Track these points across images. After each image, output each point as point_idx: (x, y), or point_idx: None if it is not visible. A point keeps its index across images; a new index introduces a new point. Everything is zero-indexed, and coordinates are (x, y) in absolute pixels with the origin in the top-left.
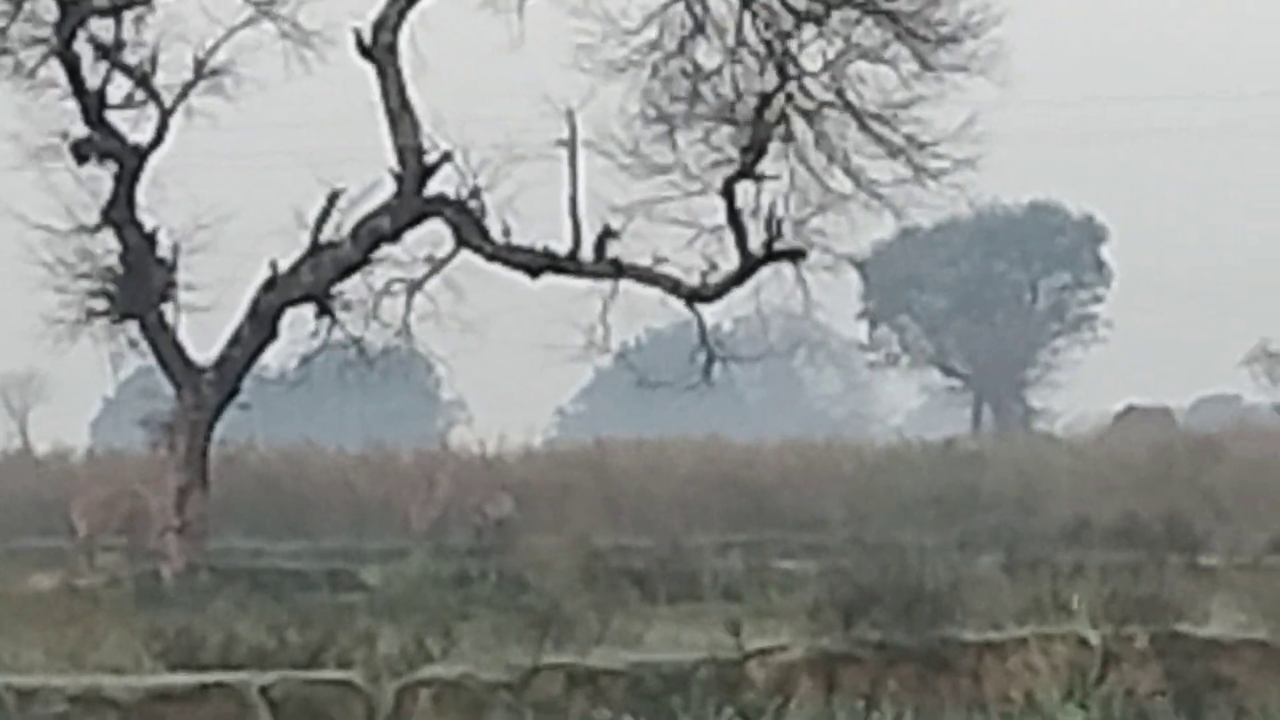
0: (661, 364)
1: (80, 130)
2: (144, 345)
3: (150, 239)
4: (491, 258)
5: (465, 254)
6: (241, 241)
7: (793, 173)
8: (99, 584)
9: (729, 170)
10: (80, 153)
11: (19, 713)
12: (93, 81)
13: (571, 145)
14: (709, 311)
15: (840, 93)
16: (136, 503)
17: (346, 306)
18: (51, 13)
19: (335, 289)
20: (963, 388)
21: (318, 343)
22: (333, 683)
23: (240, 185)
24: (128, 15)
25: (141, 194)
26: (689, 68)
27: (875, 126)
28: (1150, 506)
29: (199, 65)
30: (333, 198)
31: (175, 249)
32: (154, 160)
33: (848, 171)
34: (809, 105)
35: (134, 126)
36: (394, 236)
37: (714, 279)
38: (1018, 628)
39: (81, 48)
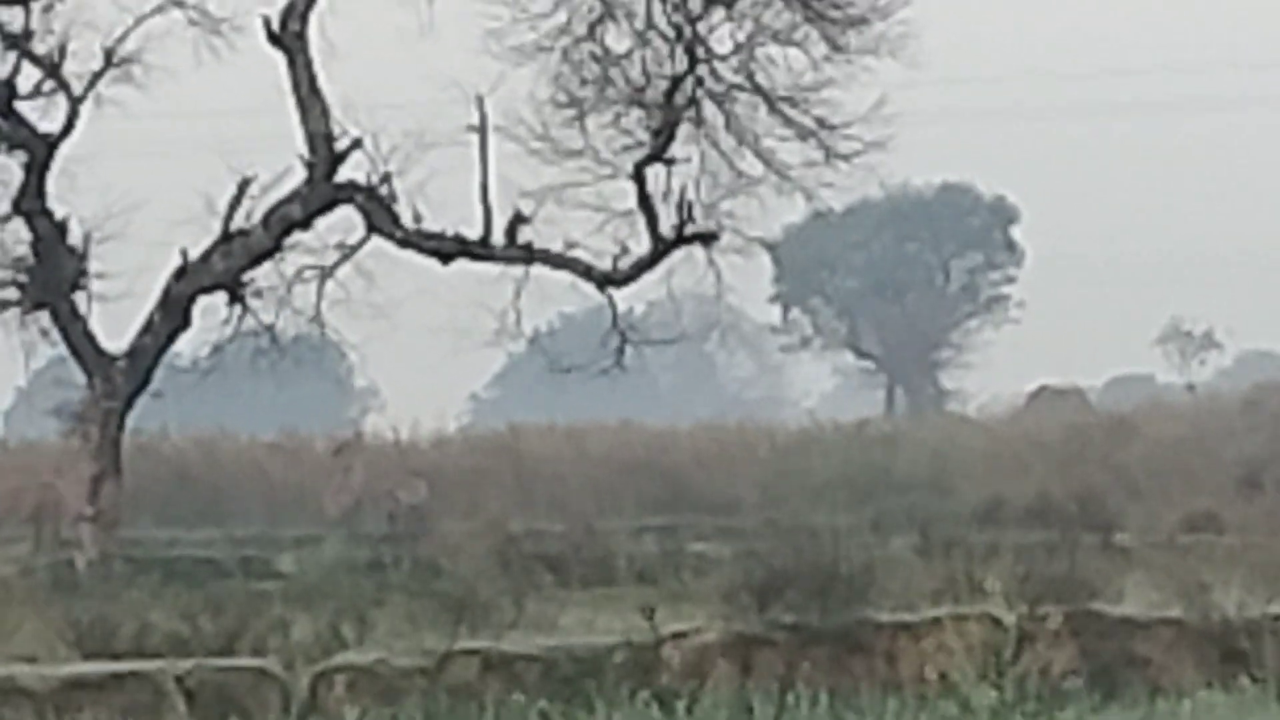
0: (574, 348)
1: None
2: (55, 334)
3: (61, 228)
4: (403, 244)
5: (376, 240)
6: (153, 229)
7: (703, 156)
8: (12, 573)
9: (639, 154)
10: None
11: None
12: (1, 71)
13: (482, 131)
14: (621, 296)
15: (750, 76)
16: (46, 492)
17: (258, 294)
18: None
19: (247, 276)
20: (875, 369)
21: (230, 330)
22: (248, 670)
23: (151, 173)
24: (36, 4)
25: (52, 183)
26: (598, 52)
27: (785, 109)
28: (1064, 486)
29: (108, 54)
30: (243, 185)
31: (86, 238)
32: (64, 149)
33: (758, 154)
34: (719, 88)
35: (43, 115)
36: (305, 223)
37: (625, 263)
38: (932, 609)
39: None
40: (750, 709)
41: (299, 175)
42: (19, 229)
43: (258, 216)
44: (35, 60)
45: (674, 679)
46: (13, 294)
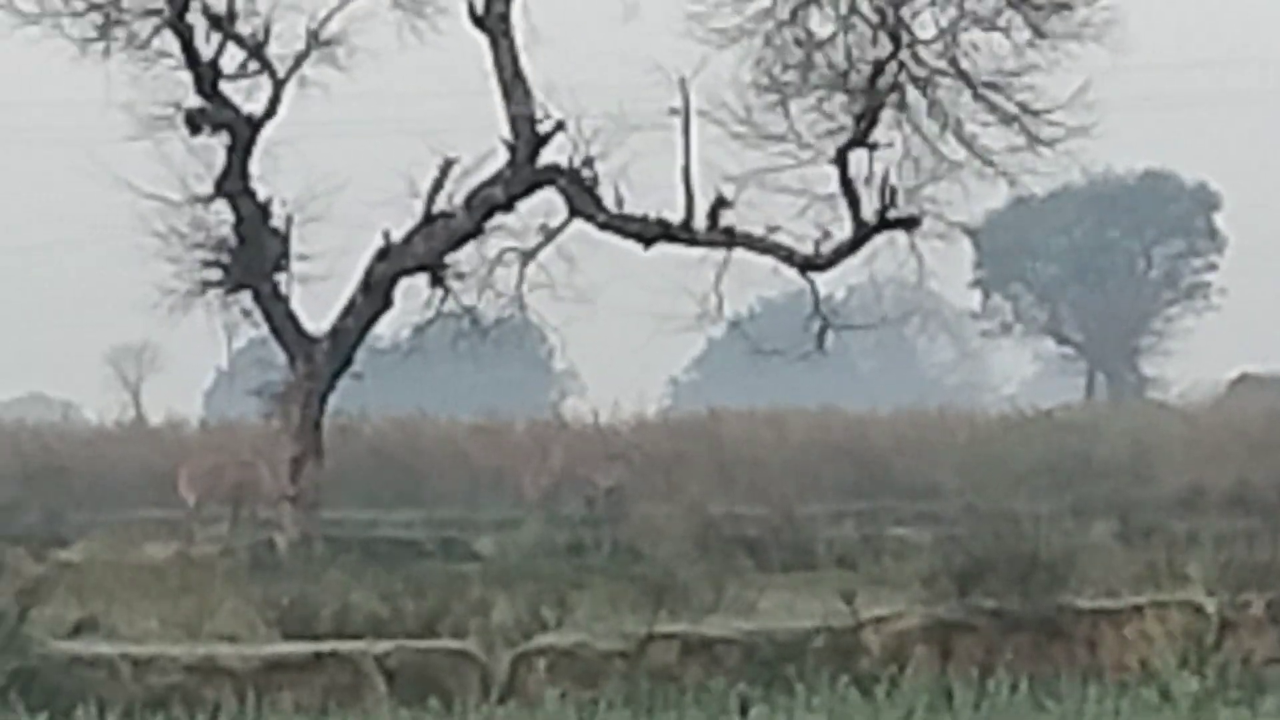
0: (774, 333)
1: (194, 101)
2: (258, 315)
3: (264, 209)
4: (604, 227)
5: (578, 223)
6: (355, 211)
7: (906, 141)
8: (213, 553)
9: (842, 138)
10: (194, 123)
11: (135, 682)
12: (206, 52)
13: (684, 114)
14: (822, 280)
15: (953, 61)
16: (245, 472)
17: (460, 276)
18: None
19: (448, 258)
20: (1075, 356)
21: (431, 313)
22: (448, 652)
23: (353, 155)
24: None
25: (255, 164)
26: (802, 36)
27: (988, 94)
28: (1265, 473)
29: (312, 35)
30: (446, 167)
31: (289, 219)
32: (267, 130)
33: (961, 139)
34: (922, 73)
35: (247, 97)
36: (507, 206)
37: (827, 247)
38: (1133, 595)
39: (195, 18)
40: (950, 695)
41: (501, 158)
42: (222, 210)
43: (460, 199)
44: (239, 42)
45: (873, 664)
46: (216, 275)
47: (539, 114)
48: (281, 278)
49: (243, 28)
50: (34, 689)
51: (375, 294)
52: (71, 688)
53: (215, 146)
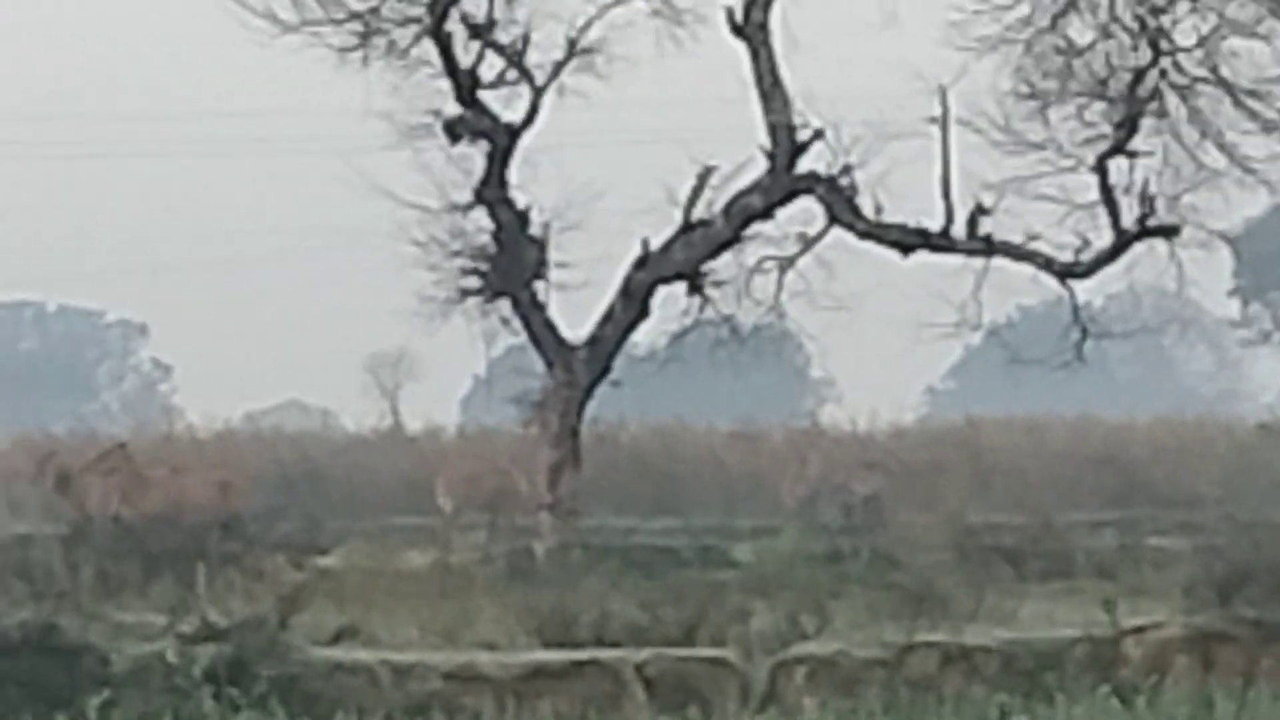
0: (1032, 341)
1: (453, 109)
2: (516, 323)
3: (523, 217)
4: (863, 235)
5: (837, 231)
6: (613, 219)
7: (1166, 149)
8: (471, 561)
9: (1101, 146)
10: (453, 131)
11: (395, 689)
12: (465, 60)
13: (943, 122)
14: (1081, 288)
15: (1214, 68)
16: (503, 480)
17: (718, 284)
18: None
19: (707, 267)
20: None
21: (689, 320)
22: (707, 660)
23: (612, 163)
24: None
25: (514, 172)
26: (1061, 44)
27: (1249, 102)
28: None
29: (571, 44)
30: (704, 175)
31: (547, 227)
32: (526, 139)
33: (1221, 147)
34: (1182, 81)
35: (506, 105)
36: (765, 214)
37: (1086, 256)
38: None
39: (454, 27)
40: (1211, 705)
41: (760, 166)
42: (481, 218)
43: (718, 206)
44: (499, 50)
45: (1134, 673)
46: (474, 282)
47: (797, 122)
48: (540, 285)
49: (501, 36)
50: (294, 696)
51: (634, 302)
52: (331, 694)
53: (474, 155)
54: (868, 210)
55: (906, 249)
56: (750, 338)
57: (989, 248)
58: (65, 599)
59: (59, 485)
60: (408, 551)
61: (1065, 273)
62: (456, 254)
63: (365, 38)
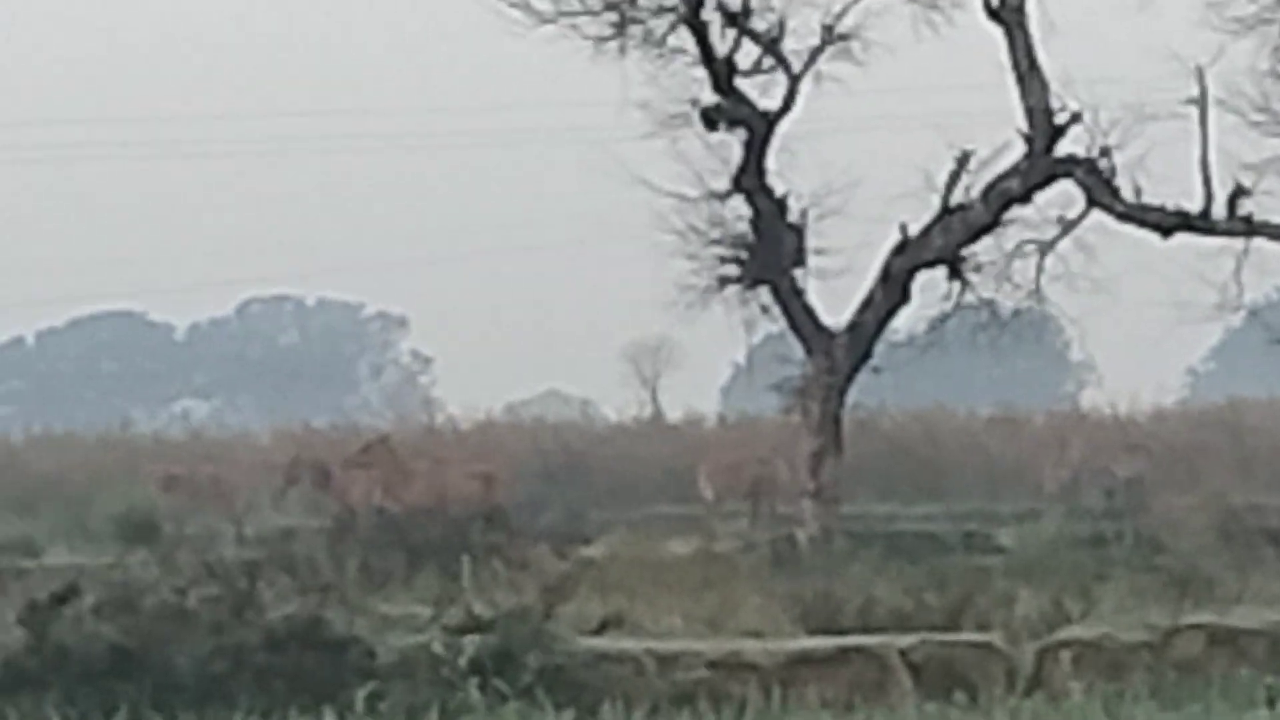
0: None
1: (709, 97)
2: (775, 310)
3: (781, 205)
4: (1122, 217)
5: (1096, 214)
6: (871, 205)
7: None
8: (734, 549)
9: None
10: (710, 120)
11: (660, 678)
12: (721, 48)
13: (1202, 103)
14: None
15: None
16: (763, 468)
17: (977, 269)
18: None
19: (966, 251)
20: None
21: (949, 305)
22: (972, 645)
23: (869, 149)
24: None
25: (771, 160)
26: None
27: None
28: None
29: (827, 30)
30: (962, 160)
31: (805, 214)
32: (783, 126)
33: None
34: None
35: (763, 92)
36: (1024, 198)
37: None
38: None
39: (710, 15)
40: None
41: (1018, 150)
42: (739, 206)
43: (976, 191)
44: (754, 37)
45: None
46: (733, 270)
47: (1055, 105)
48: (799, 272)
49: (757, 23)
50: (560, 686)
51: (893, 287)
52: (597, 684)
53: (731, 143)
54: (1126, 192)
55: (1166, 231)
56: (1010, 322)
57: (1249, 228)
58: (330, 592)
59: (317, 481)
60: (670, 540)
61: None
62: (715, 242)
63: (621, 27)
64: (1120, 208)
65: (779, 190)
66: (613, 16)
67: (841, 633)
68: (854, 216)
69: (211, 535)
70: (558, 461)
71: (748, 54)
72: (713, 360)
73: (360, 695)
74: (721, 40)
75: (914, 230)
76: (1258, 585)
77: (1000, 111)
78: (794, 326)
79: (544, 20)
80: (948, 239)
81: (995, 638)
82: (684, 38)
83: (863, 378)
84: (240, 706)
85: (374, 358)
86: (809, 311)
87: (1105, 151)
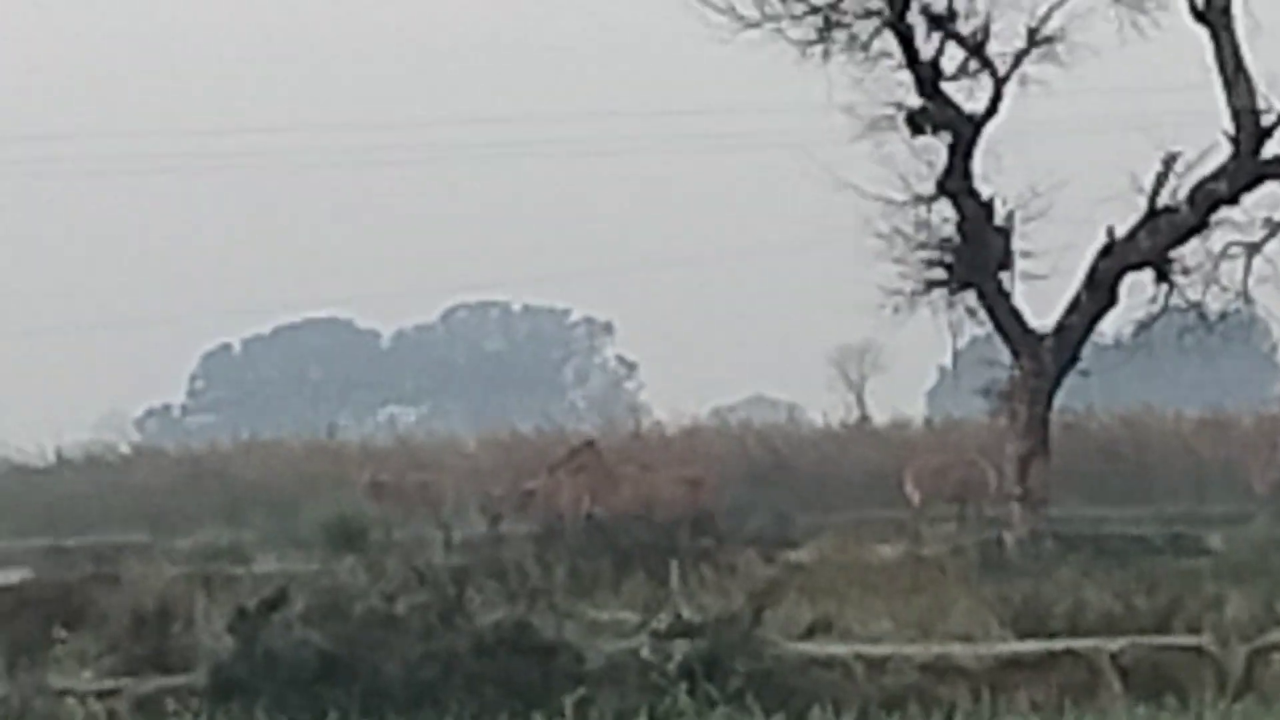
0: None
1: (914, 101)
2: (982, 314)
3: (987, 208)
4: None
5: None
6: (1077, 207)
7: None
8: (942, 553)
9: None
10: (915, 123)
11: (869, 682)
12: (926, 52)
13: None
14: None
15: None
16: (970, 471)
17: (1184, 271)
18: None
19: (1173, 254)
20: None
21: (1156, 308)
22: (1182, 648)
23: (1074, 151)
24: None
25: (977, 163)
26: None
27: None
28: None
29: (1032, 33)
30: (1168, 162)
31: (1011, 216)
32: (988, 129)
33: None
34: None
35: (967, 96)
36: (1231, 199)
37: None
38: None
39: (914, 19)
40: None
41: (1224, 151)
42: (945, 209)
43: (1183, 193)
44: (959, 40)
45: None
46: (939, 274)
47: (1262, 106)
48: (1005, 276)
49: (962, 27)
50: (769, 690)
51: (1100, 290)
52: (806, 688)
53: (937, 146)
54: None
55: None
56: (1217, 324)
57: None
58: (539, 598)
59: (520, 504)
60: (878, 544)
61: None
62: (921, 246)
63: (826, 31)
64: None
65: (985, 193)
66: (817, 21)
67: (1051, 636)
68: (1060, 219)
69: (419, 542)
70: (764, 466)
71: (952, 57)
72: (919, 364)
73: (569, 701)
74: (926, 43)
75: (1120, 232)
76: None
77: (1206, 113)
78: (1000, 330)
79: (749, 25)
80: (1154, 241)
81: (1205, 640)
82: (888, 41)
83: (1069, 380)
84: (449, 712)
85: (580, 363)
86: (1016, 314)
87: None
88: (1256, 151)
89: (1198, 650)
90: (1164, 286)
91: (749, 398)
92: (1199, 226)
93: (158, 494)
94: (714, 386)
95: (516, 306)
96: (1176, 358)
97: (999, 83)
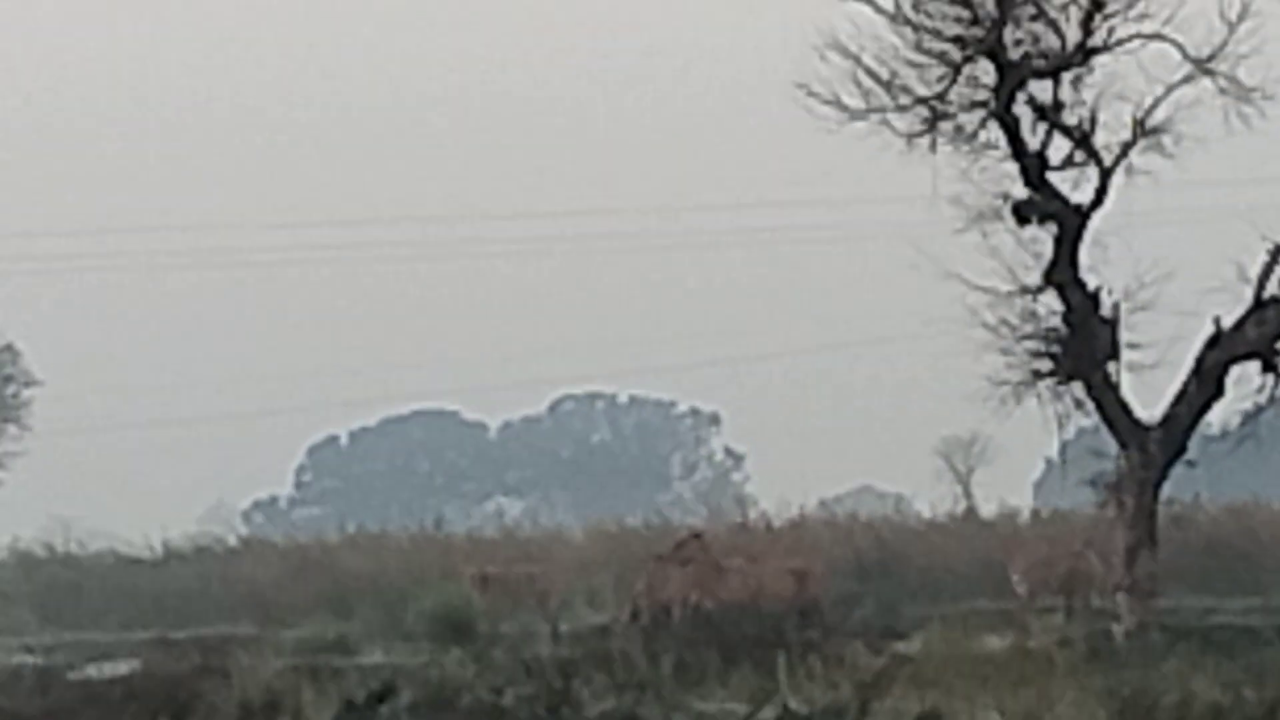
0: None
1: (1020, 192)
2: (1088, 405)
3: (1093, 298)
4: None
5: None
6: (1184, 298)
7: None
8: (1049, 644)
9: None
10: (1021, 214)
11: None
12: (1032, 143)
13: None
14: None
15: None
16: (1077, 562)
17: None
18: (990, 76)
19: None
20: None
21: (1262, 398)
22: None
23: (1181, 242)
24: (1066, 76)
25: (1083, 254)
26: None
27: None
28: None
29: (1138, 124)
30: (1275, 252)
31: (1118, 307)
32: (1094, 220)
33: None
34: None
35: (1073, 186)
36: None
37: None
38: None
39: (1020, 110)
40: None
41: None
42: (1051, 300)
43: None
44: (1065, 132)
45: None
46: (1046, 365)
47: None
48: (1112, 366)
49: (1068, 118)
50: None
51: (1207, 381)
52: None
53: (1043, 237)
54: None
55: None
56: None
57: None
58: (646, 689)
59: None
60: (986, 635)
61: None
62: (1028, 337)
63: (932, 123)
64: None
65: (1091, 284)
66: (924, 112)
67: None
68: (1166, 310)
69: (527, 633)
70: (871, 557)
71: (1058, 148)
72: (1026, 455)
73: None
74: (1032, 135)
75: (1227, 323)
76: None
77: None
78: (1107, 420)
79: (855, 116)
80: (1261, 331)
81: None
82: (994, 132)
83: (1177, 471)
84: None
85: (687, 455)
86: (1123, 405)
87: None
88: None
89: None
90: (1271, 377)
91: (856, 489)
92: None
93: (264, 586)
94: (821, 478)
95: (623, 398)
96: None
97: (1105, 173)
